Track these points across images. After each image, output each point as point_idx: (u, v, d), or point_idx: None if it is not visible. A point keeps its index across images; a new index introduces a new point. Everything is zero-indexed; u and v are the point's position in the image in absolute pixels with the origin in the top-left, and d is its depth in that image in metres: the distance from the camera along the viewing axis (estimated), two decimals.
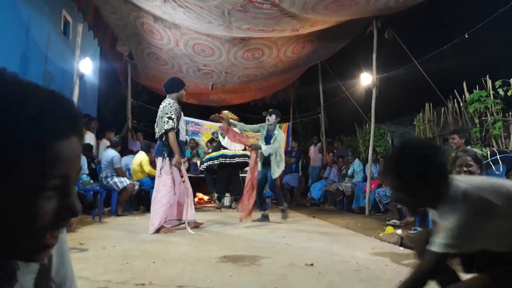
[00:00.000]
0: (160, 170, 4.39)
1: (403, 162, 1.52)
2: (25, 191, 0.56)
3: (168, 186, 4.39)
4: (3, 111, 0.54)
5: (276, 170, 5.53)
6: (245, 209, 5.39)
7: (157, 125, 4.51)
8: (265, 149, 5.42)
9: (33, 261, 0.62)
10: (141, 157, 6.90)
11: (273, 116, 5.58)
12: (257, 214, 5.67)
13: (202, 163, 7.77)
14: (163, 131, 4.34)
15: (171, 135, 4.32)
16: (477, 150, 4.76)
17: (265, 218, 5.57)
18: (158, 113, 4.49)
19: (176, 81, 4.72)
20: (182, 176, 4.52)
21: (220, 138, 7.76)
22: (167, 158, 4.37)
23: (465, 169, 3.01)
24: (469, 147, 4.89)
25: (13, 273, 0.66)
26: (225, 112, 6.76)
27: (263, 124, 5.70)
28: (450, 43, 6.53)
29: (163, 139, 4.38)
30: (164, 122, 4.34)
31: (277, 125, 5.75)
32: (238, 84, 9.43)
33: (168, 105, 4.43)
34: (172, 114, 4.36)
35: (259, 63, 8.21)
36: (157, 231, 4.28)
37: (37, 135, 0.55)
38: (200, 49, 7.55)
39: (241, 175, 8.33)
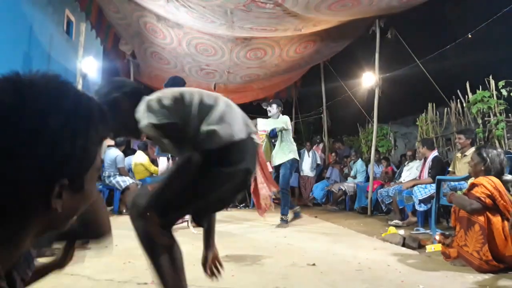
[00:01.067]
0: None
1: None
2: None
3: None
4: (91, 115, 0.66)
5: (281, 157, 5.11)
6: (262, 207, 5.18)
7: None
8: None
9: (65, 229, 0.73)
10: (142, 159, 6.89)
11: (274, 106, 5.33)
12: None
13: None
14: None
15: None
16: None
17: (284, 222, 5.08)
18: None
19: (178, 80, 4.62)
20: None
21: None
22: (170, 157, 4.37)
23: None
24: (473, 148, 4.88)
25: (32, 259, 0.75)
26: None
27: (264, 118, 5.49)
28: (453, 43, 6.52)
29: None
30: None
31: (280, 115, 5.40)
32: (241, 84, 9.43)
33: None
34: None
35: (262, 63, 8.20)
36: None
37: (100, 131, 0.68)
38: (202, 49, 7.55)
39: None
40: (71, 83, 0.66)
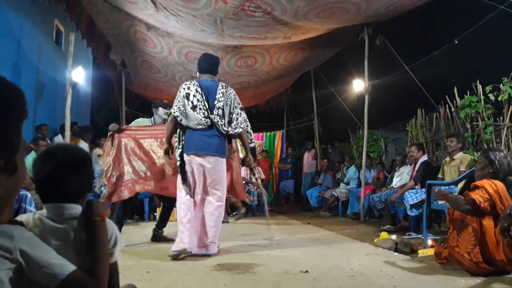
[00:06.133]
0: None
1: None
2: None
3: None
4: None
5: None
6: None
7: (224, 116, 3.59)
8: None
9: None
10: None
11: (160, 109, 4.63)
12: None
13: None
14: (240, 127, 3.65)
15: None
16: (469, 155, 4.80)
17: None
18: (222, 99, 3.58)
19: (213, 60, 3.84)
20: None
21: None
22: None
23: None
24: (462, 152, 4.93)
25: None
26: None
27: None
28: (440, 49, 6.61)
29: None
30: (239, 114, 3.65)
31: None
32: None
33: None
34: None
35: (252, 71, 8.24)
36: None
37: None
38: (193, 57, 7.55)
39: None
40: None
